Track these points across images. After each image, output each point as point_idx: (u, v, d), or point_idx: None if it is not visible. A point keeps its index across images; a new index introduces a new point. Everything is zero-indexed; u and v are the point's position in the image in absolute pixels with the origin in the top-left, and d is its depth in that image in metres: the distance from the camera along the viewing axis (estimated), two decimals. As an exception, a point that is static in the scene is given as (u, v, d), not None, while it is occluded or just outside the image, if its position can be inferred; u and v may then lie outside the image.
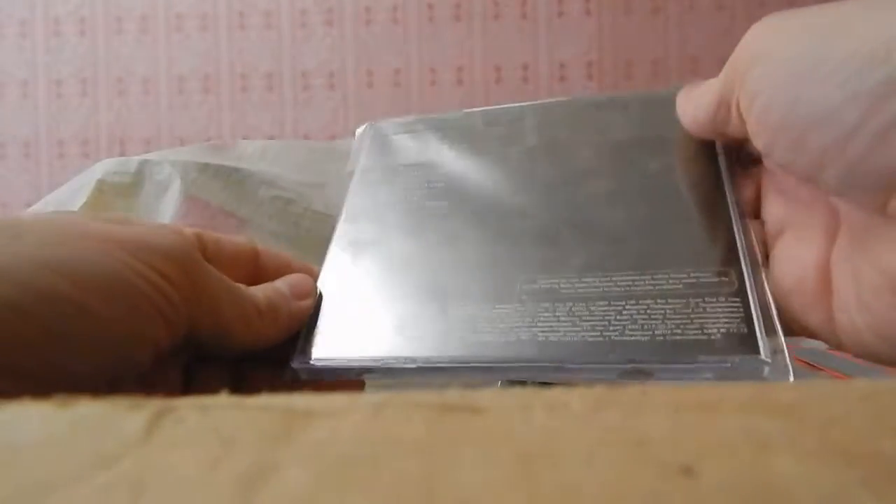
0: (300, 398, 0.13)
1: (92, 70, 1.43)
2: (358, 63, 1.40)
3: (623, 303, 0.24)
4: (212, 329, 0.24)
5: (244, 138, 1.29)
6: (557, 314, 0.24)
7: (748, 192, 0.27)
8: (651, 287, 0.24)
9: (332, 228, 0.32)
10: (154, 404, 0.13)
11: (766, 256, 0.26)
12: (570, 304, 0.24)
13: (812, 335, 0.24)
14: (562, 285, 0.25)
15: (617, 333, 0.23)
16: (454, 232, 0.29)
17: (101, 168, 0.68)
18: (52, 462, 0.11)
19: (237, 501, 0.10)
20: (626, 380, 0.22)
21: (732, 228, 0.25)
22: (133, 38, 1.43)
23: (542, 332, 0.24)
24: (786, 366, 0.20)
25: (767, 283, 0.24)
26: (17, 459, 0.12)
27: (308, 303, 0.28)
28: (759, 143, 0.23)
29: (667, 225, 0.26)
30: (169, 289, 0.21)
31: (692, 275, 0.24)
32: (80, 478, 0.11)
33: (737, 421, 0.11)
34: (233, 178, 0.66)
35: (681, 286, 0.23)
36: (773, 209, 0.26)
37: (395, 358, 0.25)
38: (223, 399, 0.14)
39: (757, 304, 0.23)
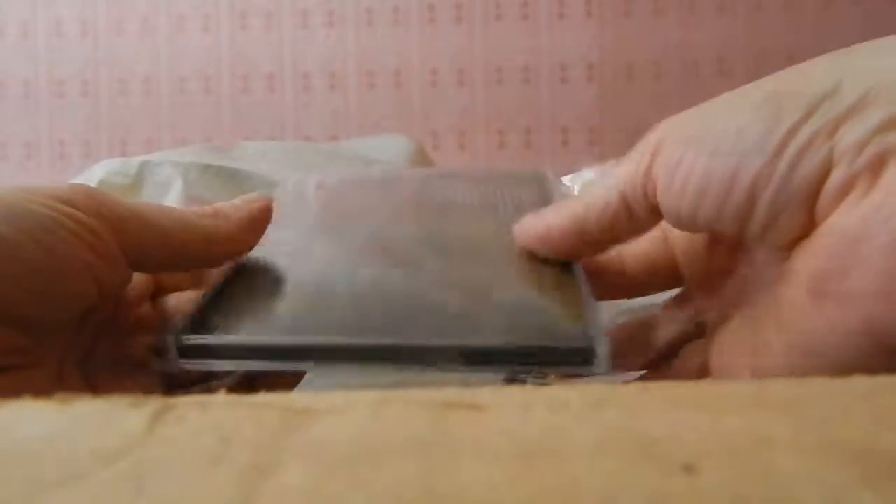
0: (300, 396, 0.13)
1: (93, 70, 1.43)
2: (359, 64, 1.40)
3: None
4: (158, 246, 0.25)
5: (245, 139, 1.29)
6: None
7: None
8: None
9: None
10: (155, 402, 0.13)
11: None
12: None
13: None
14: None
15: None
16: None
17: (102, 168, 0.68)
18: (53, 459, 0.11)
19: (237, 499, 0.10)
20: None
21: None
22: (134, 39, 1.43)
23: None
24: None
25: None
26: (18, 457, 0.12)
27: (262, 206, 0.28)
28: (682, 214, 0.24)
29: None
30: (91, 221, 0.23)
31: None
32: (81, 475, 0.11)
33: (737, 419, 0.11)
34: (234, 179, 0.66)
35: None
36: None
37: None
38: (223, 397, 0.14)
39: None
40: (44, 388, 0.21)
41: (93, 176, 0.67)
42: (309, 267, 0.29)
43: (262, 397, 0.13)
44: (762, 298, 0.24)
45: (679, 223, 0.24)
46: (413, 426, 0.12)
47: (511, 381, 0.40)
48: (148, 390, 0.24)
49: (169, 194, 0.65)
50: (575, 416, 0.12)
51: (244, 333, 0.24)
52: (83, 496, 0.10)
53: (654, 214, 0.25)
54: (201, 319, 0.25)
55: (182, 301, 0.29)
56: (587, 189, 0.27)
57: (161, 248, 0.25)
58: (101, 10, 1.43)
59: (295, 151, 0.81)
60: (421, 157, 0.84)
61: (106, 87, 1.44)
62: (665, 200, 0.24)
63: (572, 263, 0.28)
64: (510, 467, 0.10)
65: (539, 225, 0.28)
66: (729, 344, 0.25)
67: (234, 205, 0.28)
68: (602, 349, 0.22)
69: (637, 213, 0.25)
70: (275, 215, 0.32)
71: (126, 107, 1.43)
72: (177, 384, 0.27)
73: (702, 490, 0.09)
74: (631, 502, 0.09)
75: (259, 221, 0.28)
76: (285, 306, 0.26)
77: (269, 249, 0.30)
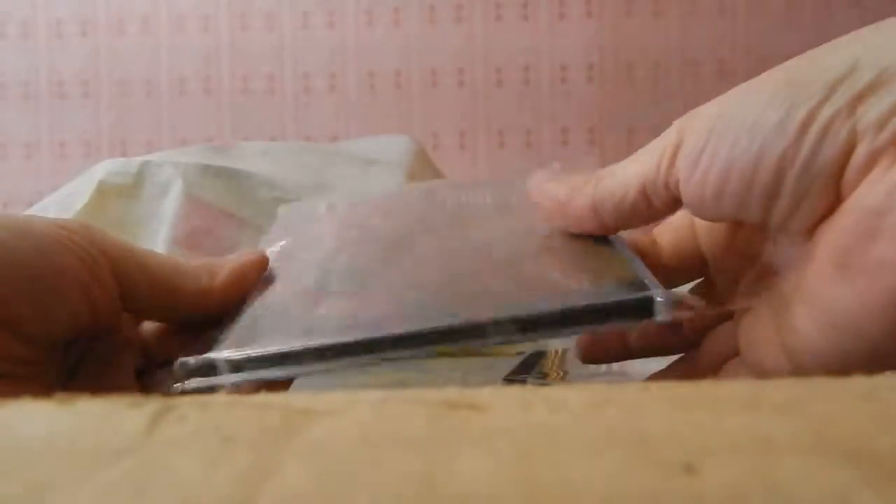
0: (300, 396, 0.13)
1: (94, 71, 1.43)
2: (359, 65, 1.40)
3: None
4: (149, 288, 0.25)
5: (245, 139, 1.29)
6: None
7: None
8: None
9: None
10: (155, 402, 0.13)
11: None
12: None
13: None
14: None
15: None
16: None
17: (102, 169, 0.68)
18: (53, 460, 0.11)
19: (237, 499, 0.10)
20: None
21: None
22: (135, 40, 1.42)
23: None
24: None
25: None
26: (18, 458, 0.12)
27: (255, 259, 0.29)
28: (705, 204, 0.24)
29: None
30: (90, 248, 0.24)
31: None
32: (81, 476, 0.11)
33: (738, 419, 0.11)
34: (234, 179, 0.66)
35: None
36: None
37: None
38: (223, 397, 0.14)
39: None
40: None
41: (93, 176, 0.67)
42: (338, 274, 0.29)
43: (262, 397, 0.14)
44: (787, 279, 0.24)
45: (702, 213, 0.25)
46: (413, 426, 0.12)
47: (511, 381, 0.40)
48: None
49: (169, 194, 0.65)
50: (575, 416, 0.12)
51: (289, 341, 0.23)
52: (83, 496, 0.10)
53: (674, 205, 0.25)
54: (240, 335, 0.25)
55: (156, 328, 0.29)
56: (609, 169, 0.27)
57: (151, 291, 0.26)
58: (101, 10, 1.43)
59: (295, 151, 0.81)
60: (422, 158, 0.84)
61: (106, 87, 1.44)
62: (688, 191, 0.24)
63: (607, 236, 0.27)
64: (510, 467, 0.10)
65: (558, 191, 0.28)
66: (758, 326, 0.25)
67: (227, 258, 0.28)
68: (661, 298, 0.22)
69: (655, 204, 0.25)
70: (283, 245, 0.32)
71: (126, 107, 1.43)
72: None
73: (702, 490, 0.09)
74: (631, 502, 0.09)
75: (249, 274, 0.28)
76: (325, 310, 0.25)
77: (293, 268, 0.30)
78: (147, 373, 0.27)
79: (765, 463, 0.10)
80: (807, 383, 0.13)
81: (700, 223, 0.30)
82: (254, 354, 0.23)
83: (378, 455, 0.11)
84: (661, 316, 0.22)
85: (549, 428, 0.12)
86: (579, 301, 0.22)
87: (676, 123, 0.25)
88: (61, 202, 0.67)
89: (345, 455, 0.11)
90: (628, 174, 0.26)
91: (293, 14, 1.41)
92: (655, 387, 0.13)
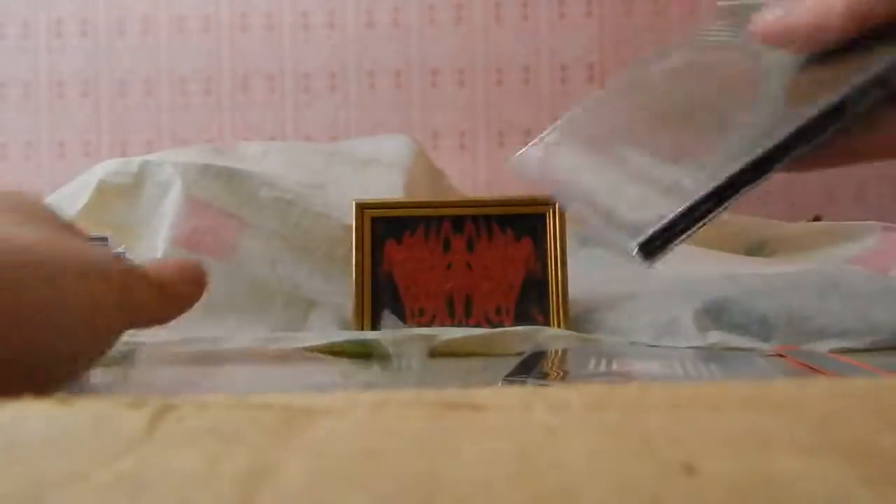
0: (300, 396, 0.13)
1: (94, 71, 1.43)
2: (359, 65, 1.40)
3: None
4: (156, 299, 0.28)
5: (245, 140, 1.29)
6: None
7: None
8: None
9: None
10: (155, 402, 0.13)
11: None
12: None
13: None
14: None
15: None
16: None
17: (102, 169, 0.68)
18: (54, 460, 0.11)
19: (238, 499, 0.10)
20: None
21: None
22: (135, 40, 1.42)
23: None
24: None
25: None
26: (19, 457, 0.12)
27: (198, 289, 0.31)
28: None
29: None
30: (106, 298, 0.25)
31: None
32: (81, 475, 0.11)
33: (737, 418, 0.11)
34: (234, 179, 0.66)
35: None
36: None
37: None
38: (223, 397, 0.14)
39: None
40: None
41: (93, 176, 0.67)
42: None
43: (262, 397, 0.13)
44: None
45: None
46: (413, 426, 0.12)
47: (511, 381, 0.39)
48: None
49: (169, 194, 0.65)
50: (575, 416, 0.12)
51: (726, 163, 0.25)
52: (83, 496, 0.10)
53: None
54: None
55: None
56: None
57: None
58: (101, 10, 1.43)
59: (295, 151, 0.81)
60: (422, 158, 0.84)
61: (106, 87, 1.43)
62: None
63: None
64: (510, 468, 0.10)
65: (781, 21, 0.28)
66: None
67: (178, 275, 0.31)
68: None
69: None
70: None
71: (126, 107, 1.43)
72: None
73: (702, 490, 0.09)
74: (631, 502, 0.09)
75: (188, 305, 0.30)
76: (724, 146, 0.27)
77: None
78: None
79: (764, 462, 0.10)
80: (807, 383, 0.13)
81: None
82: (734, 171, 0.25)
83: (377, 456, 0.11)
84: None
85: (549, 428, 0.12)
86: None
87: None
88: (62, 202, 0.67)
89: (344, 455, 0.11)
90: None
91: (293, 14, 1.41)
92: (655, 387, 0.13)
